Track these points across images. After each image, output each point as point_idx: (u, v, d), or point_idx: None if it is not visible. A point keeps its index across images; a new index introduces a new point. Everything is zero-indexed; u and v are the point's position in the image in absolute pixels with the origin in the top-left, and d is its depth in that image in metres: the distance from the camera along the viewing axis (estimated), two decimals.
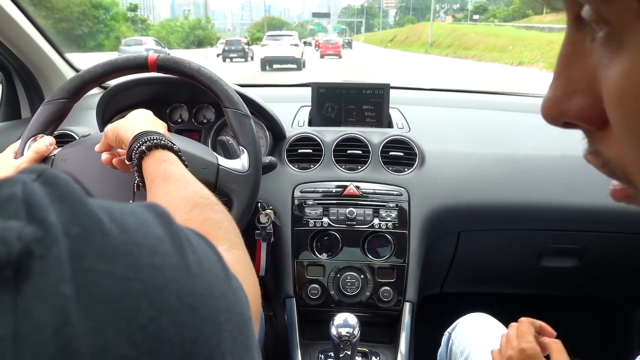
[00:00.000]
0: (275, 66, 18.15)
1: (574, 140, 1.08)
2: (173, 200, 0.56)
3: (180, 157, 0.66)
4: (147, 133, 0.66)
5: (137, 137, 0.65)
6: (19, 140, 0.82)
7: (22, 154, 0.79)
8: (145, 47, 21.79)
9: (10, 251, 0.18)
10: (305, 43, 21.89)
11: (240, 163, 0.83)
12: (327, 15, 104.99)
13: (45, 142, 0.80)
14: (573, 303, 1.65)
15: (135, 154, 0.64)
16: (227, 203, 0.80)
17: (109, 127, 0.72)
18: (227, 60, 23.15)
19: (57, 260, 0.19)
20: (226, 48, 24.09)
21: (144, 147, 0.64)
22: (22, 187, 0.21)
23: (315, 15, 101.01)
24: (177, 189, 0.58)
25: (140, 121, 0.70)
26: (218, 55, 24.62)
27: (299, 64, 18.20)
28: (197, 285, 0.24)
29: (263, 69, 17.71)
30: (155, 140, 0.64)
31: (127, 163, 0.67)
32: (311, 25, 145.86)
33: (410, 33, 57.55)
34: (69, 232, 0.20)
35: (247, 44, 25.95)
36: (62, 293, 0.18)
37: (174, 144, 0.67)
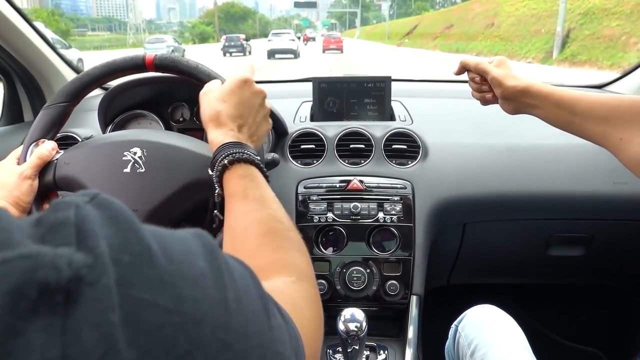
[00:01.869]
0: (277, 56, 23.65)
1: None
2: (249, 221, 0.56)
3: (262, 171, 0.66)
4: (233, 145, 0.65)
5: (220, 149, 0.65)
6: (21, 146, 0.82)
7: (25, 160, 0.79)
8: (166, 44, 25.95)
9: (61, 277, 0.18)
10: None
11: None
12: (313, 4, 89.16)
13: (48, 147, 0.80)
14: (581, 292, 1.64)
15: (218, 166, 0.64)
16: None
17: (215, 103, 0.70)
18: (227, 54, 26.01)
19: (106, 287, 0.19)
20: (226, 44, 27.24)
21: (226, 161, 0.63)
22: (75, 210, 0.22)
23: (297, 4, 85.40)
24: (254, 210, 0.57)
25: (239, 114, 0.69)
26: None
27: (295, 54, 24.30)
28: (232, 322, 0.25)
29: (269, 57, 23.30)
30: (238, 154, 0.63)
31: (210, 173, 0.67)
32: (297, 21, 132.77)
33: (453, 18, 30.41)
34: (119, 260, 0.21)
35: (246, 39, 29.50)
36: (110, 320, 0.18)
37: (257, 157, 0.66)
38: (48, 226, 0.21)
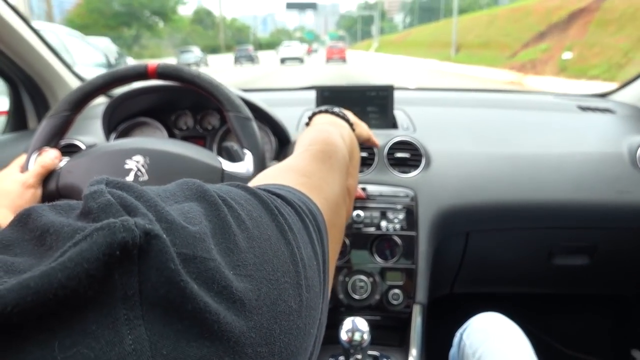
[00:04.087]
0: (287, 62, 30.66)
1: (581, 137, 1.08)
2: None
3: (350, 125, 0.79)
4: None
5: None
6: (24, 155, 0.82)
7: (28, 169, 0.79)
8: (194, 54, 29.05)
9: (135, 236, 0.23)
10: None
11: (245, 166, 0.82)
12: (312, 5, 77.66)
13: (51, 156, 0.80)
14: (586, 301, 1.63)
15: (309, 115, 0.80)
16: None
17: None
18: (238, 64, 30.09)
19: (166, 241, 0.24)
20: (237, 55, 31.88)
21: (318, 110, 0.80)
22: (110, 194, 0.26)
23: (290, 6, 74.66)
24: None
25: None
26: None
27: (301, 60, 31.80)
28: (248, 257, 0.30)
29: (282, 63, 30.13)
30: (333, 110, 0.80)
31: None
32: (299, 33, 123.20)
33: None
34: (160, 224, 0.26)
35: (255, 50, 34.63)
36: (170, 267, 0.24)
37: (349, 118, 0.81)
38: (96, 211, 0.25)
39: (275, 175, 0.49)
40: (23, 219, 0.26)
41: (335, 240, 0.47)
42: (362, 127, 0.89)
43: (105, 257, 0.21)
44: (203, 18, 75.17)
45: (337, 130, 0.68)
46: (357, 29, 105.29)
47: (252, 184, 0.44)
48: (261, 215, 0.34)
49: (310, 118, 0.80)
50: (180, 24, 59.07)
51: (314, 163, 0.53)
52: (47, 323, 0.20)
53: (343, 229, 0.55)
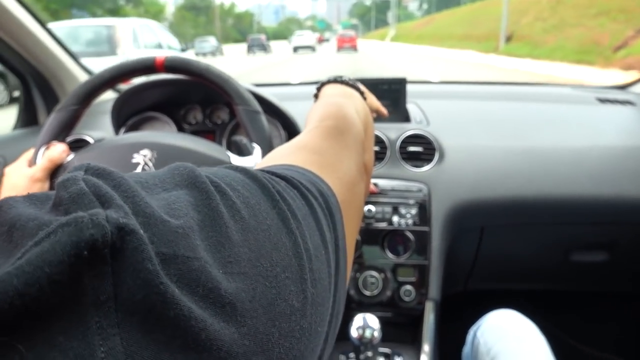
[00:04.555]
0: (300, 51, 31.73)
1: (601, 130, 1.04)
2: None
3: (361, 94, 0.74)
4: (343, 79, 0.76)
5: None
6: (33, 149, 0.82)
7: (36, 163, 0.79)
8: (210, 44, 29.82)
9: (105, 232, 0.20)
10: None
11: (253, 160, 0.81)
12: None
13: (58, 150, 0.79)
14: (606, 299, 1.60)
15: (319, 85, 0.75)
16: None
17: None
18: (251, 53, 31.02)
19: (142, 237, 0.21)
20: (250, 44, 32.82)
21: (327, 79, 0.75)
22: (84, 182, 0.23)
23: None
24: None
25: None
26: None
27: (313, 49, 33.14)
28: (241, 252, 0.26)
29: (295, 52, 31.41)
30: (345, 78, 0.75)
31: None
32: (310, 22, 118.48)
33: None
34: (137, 217, 0.23)
35: (267, 39, 35.31)
36: (148, 268, 0.21)
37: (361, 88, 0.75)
38: (66, 202, 0.22)
39: (283, 154, 0.45)
40: None
41: (352, 221, 0.44)
42: (372, 97, 0.85)
43: (71, 258, 0.19)
44: (195, 2, 68.45)
45: (350, 102, 0.63)
46: (371, 16, 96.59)
47: (258, 166, 0.40)
48: (260, 202, 0.30)
49: (319, 89, 0.75)
50: (155, 8, 51.97)
51: (327, 140, 0.49)
52: (2, 336, 0.17)
53: (362, 208, 0.51)
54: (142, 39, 7.79)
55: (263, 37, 34.13)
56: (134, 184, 0.25)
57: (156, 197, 0.26)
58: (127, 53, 7.31)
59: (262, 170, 0.35)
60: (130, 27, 7.83)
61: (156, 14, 51.85)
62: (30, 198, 0.24)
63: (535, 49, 16.21)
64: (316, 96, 0.75)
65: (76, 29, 7.99)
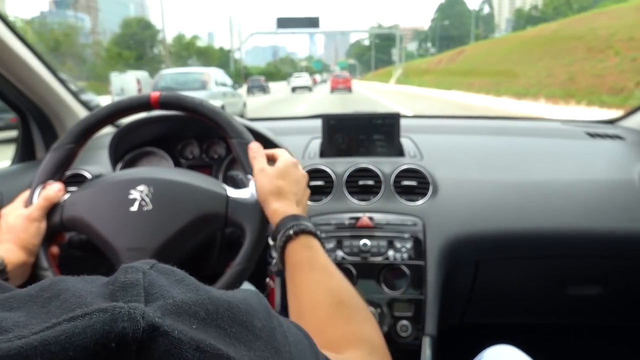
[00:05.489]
0: (297, 91, 33.45)
1: (591, 164, 1.06)
2: (317, 290, 0.57)
3: (322, 244, 0.68)
4: (297, 217, 0.69)
5: (286, 220, 0.69)
6: (28, 190, 0.82)
7: (32, 203, 0.79)
8: (260, 82, 33.76)
9: (137, 328, 0.20)
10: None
11: (249, 192, 0.82)
12: (311, 22, 58.56)
13: (54, 189, 0.80)
14: (602, 333, 1.58)
15: (283, 236, 0.67)
16: (239, 234, 0.79)
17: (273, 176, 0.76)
18: (251, 94, 31.73)
19: (177, 340, 0.21)
20: (250, 85, 33.79)
21: (291, 232, 0.66)
22: (143, 274, 0.24)
23: (282, 24, 58.14)
24: (322, 280, 0.59)
25: (295, 193, 0.76)
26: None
27: (310, 89, 34.88)
28: None
29: (293, 92, 33.02)
30: (303, 226, 0.67)
31: (271, 244, 0.69)
32: (305, 63, 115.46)
33: None
34: (197, 313, 0.23)
35: (266, 80, 37.30)
36: None
37: (318, 232, 0.69)
38: (119, 285, 0.23)
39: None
40: (46, 283, 0.24)
41: None
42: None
43: (98, 347, 0.18)
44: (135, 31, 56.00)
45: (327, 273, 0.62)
46: (370, 55, 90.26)
47: None
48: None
49: (283, 249, 0.68)
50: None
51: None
52: None
53: None
54: (215, 79, 11.80)
55: (262, 78, 36.64)
56: (195, 280, 0.26)
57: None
58: (212, 89, 11.20)
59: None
60: (212, 72, 12.15)
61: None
62: (84, 278, 0.25)
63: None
64: (282, 260, 0.68)
65: (181, 74, 12.51)
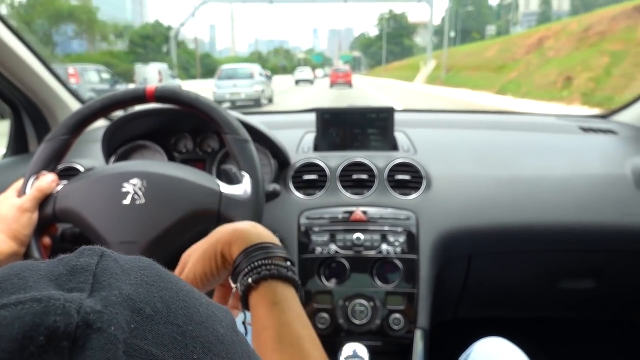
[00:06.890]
0: (301, 84, 36.11)
1: (584, 159, 1.06)
2: None
3: (297, 288, 0.52)
4: (261, 248, 0.52)
5: (245, 255, 0.52)
6: (22, 180, 0.82)
7: (25, 193, 0.79)
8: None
9: (70, 323, 0.18)
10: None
11: (243, 189, 0.82)
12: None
13: (48, 180, 0.80)
14: (593, 327, 1.60)
15: (242, 285, 0.51)
16: None
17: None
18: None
19: (113, 337, 0.19)
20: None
21: (250, 280, 0.50)
22: (99, 259, 0.22)
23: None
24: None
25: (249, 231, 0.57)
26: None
27: (312, 82, 37.92)
28: None
29: (297, 84, 35.59)
30: (265, 269, 0.50)
31: (232, 286, 0.53)
32: (302, 55, 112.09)
33: None
34: (141, 310, 0.21)
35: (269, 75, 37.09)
36: None
37: (291, 267, 0.53)
38: (68, 269, 0.22)
39: None
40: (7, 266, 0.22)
41: None
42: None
43: (25, 340, 0.17)
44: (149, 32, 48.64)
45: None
46: (382, 46, 70.63)
47: None
48: None
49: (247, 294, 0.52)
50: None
51: None
52: None
53: None
54: (259, 72, 16.65)
55: (267, 72, 37.60)
56: (161, 274, 0.24)
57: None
58: (257, 78, 15.88)
59: None
60: (256, 67, 17.00)
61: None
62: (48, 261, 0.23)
63: None
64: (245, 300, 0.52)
65: (234, 69, 16.73)
